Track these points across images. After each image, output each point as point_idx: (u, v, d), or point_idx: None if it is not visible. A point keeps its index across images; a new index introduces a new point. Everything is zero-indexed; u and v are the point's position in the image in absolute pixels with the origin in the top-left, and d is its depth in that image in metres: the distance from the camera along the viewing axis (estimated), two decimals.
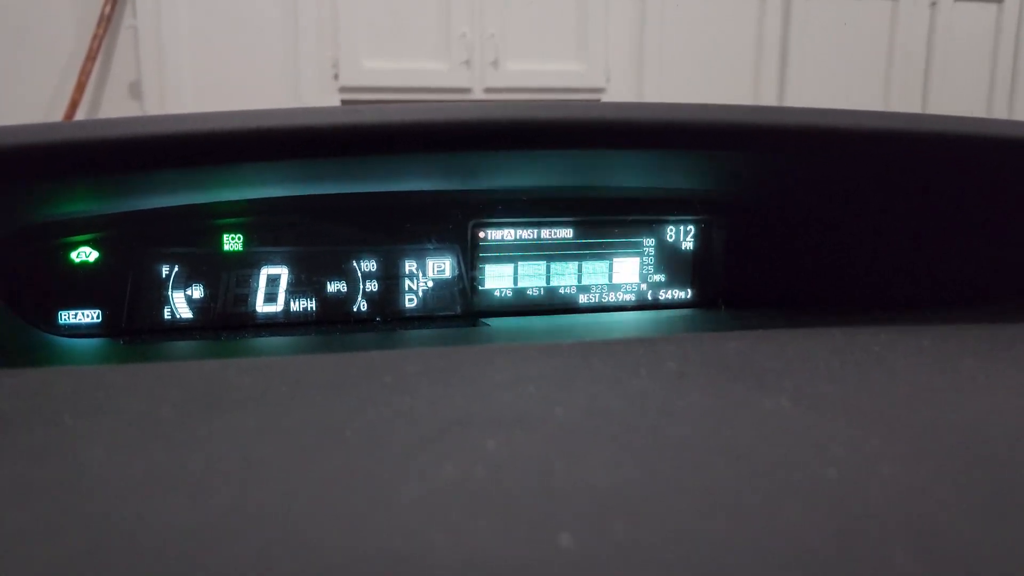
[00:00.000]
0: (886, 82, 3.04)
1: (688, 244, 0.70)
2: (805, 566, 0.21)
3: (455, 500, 0.24)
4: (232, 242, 0.61)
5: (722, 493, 0.25)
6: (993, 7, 3.08)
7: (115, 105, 2.54)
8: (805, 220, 0.68)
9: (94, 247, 0.58)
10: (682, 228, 0.70)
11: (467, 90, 2.61)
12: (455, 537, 0.22)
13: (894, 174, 0.60)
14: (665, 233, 0.70)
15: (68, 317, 0.59)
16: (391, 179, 0.61)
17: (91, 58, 2.42)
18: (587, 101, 2.78)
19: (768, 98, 2.93)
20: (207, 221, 0.61)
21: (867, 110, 0.52)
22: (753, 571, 0.21)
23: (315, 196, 0.62)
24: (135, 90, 2.50)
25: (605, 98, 2.78)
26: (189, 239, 0.60)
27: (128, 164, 0.46)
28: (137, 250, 0.60)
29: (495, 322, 0.66)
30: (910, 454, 0.28)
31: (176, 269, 0.61)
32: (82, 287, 0.59)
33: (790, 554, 0.22)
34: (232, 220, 0.61)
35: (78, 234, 0.58)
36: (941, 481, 0.26)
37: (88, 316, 0.59)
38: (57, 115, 2.42)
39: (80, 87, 2.41)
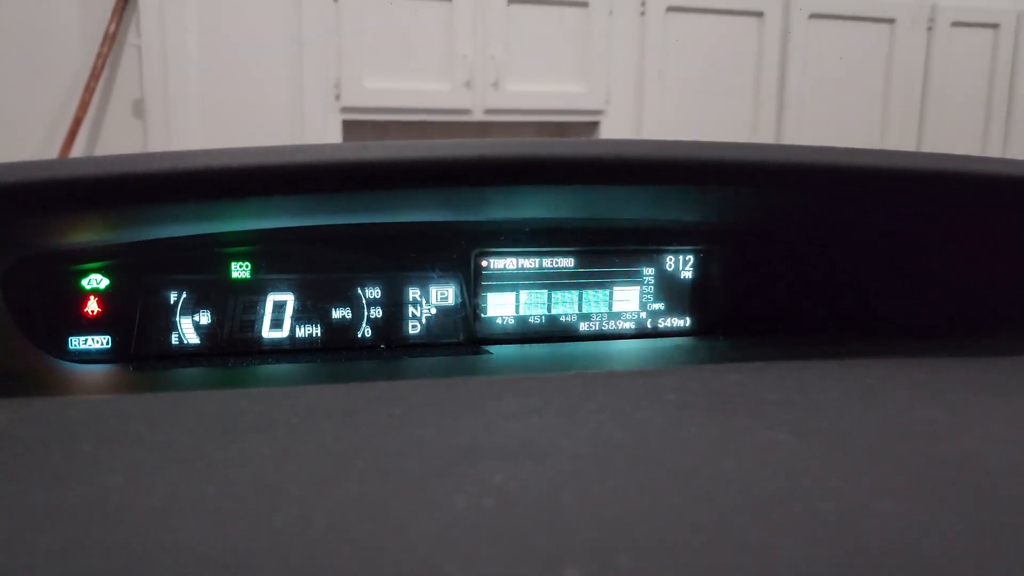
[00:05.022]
0: (884, 105, 3.06)
1: (687, 274, 0.71)
2: None
3: (465, 530, 0.25)
4: (239, 270, 0.62)
5: (724, 525, 0.26)
6: (989, 32, 3.11)
7: (118, 123, 2.56)
8: (803, 251, 0.69)
9: (104, 275, 0.60)
10: (681, 258, 0.71)
11: (467, 111, 2.63)
12: (466, 567, 0.23)
13: (890, 209, 0.61)
14: (665, 263, 0.71)
15: (78, 343, 0.60)
16: (396, 210, 0.62)
17: (95, 76, 2.44)
18: (587, 123, 2.79)
19: (767, 120, 2.95)
20: (215, 250, 0.62)
21: (864, 148, 0.53)
22: None
23: (321, 227, 0.63)
24: (138, 108, 2.51)
25: (605, 120, 2.80)
26: (197, 267, 0.62)
27: (138, 199, 0.47)
28: (146, 278, 0.61)
29: (497, 350, 0.67)
30: (908, 488, 0.29)
31: (184, 296, 0.62)
32: (92, 314, 0.60)
33: None
34: (239, 249, 0.62)
35: (89, 262, 0.59)
36: (939, 515, 0.27)
37: (98, 342, 0.60)
38: (61, 132, 2.44)
39: (84, 105, 2.43)
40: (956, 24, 3.05)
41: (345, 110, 2.55)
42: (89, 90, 2.43)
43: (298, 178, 0.47)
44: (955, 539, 0.25)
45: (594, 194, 0.61)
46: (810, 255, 0.69)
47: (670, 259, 0.71)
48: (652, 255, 0.70)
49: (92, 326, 0.60)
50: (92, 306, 0.60)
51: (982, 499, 0.28)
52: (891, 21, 3.00)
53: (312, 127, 2.52)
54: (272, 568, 0.23)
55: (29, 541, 0.24)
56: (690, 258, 0.71)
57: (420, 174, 0.49)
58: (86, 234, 0.57)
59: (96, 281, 0.60)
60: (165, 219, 0.57)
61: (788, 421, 0.36)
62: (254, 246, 0.62)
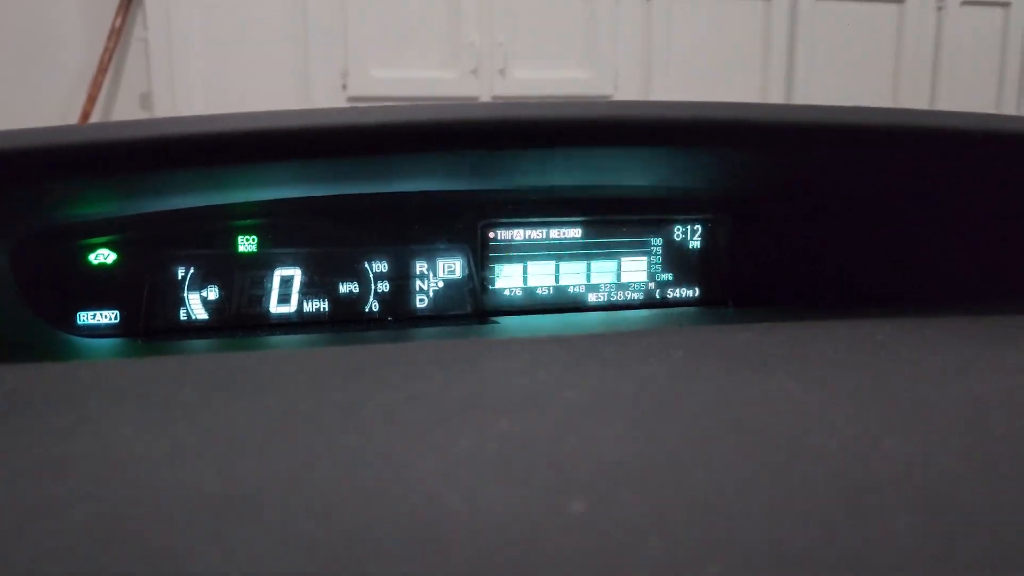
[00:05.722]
0: (894, 85, 3.04)
1: (695, 243, 0.71)
2: (810, 529, 0.22)
3: (469, 469, 0.25)
4: (246, 243, 0.62)
5: (728, 463, 0.26)
6: (1000, 9, 3.08)
7: (126, 116, 2.56)
8: (812, 218, 0.68)
9: (112, 249, 0.60)
10: (689, 227, 0.71)
11: (475, 98, 2.62)
12: (470, 500, 0.23)
13: (900, 171, 0.60)
14: (673, 232, 0.70)
15: (87, 318, 0.60)
16: (402, 180, 0.62)
17: (102, 70, 2.44)
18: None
19: (775, 102, 2.94)
20: (222, 223, 0.62)
21: (873, 107, 0.53)
22: (759, 535, 0.22)
23: (327, 197, 0.63)
24: (146, 102, 2.52)
25: None
26: (204, 241, 0.62)
27: (144, 165, 0.47)
28: (154, 252, 0.61)
29: (505, 321, 0.66)
30: (911, 427, 0.29)
31: (192, 270, 0.62)
32: (100, 288, 0.60)
33: (795, 518, 0.22)
34: (246, 222, 0.62)
35: (96, 236, 0.59)
36: (941, 451, 0.26)
37: (106, 317, 0.60)
38: None
39: (92, 99, 2.44)
40: (966, 3, 3.02)
41: (352, 99, 2.55)
42: (96, 84, 2.44)
43: (304, 141, 0.47)
44: (956, 474, 0.25)
45: (601, 163, 0.61)
46: (819, 223, 0.68)
47: (678, 228, 0.70)
48: (660, 225, 0.70)
49: (100, 300, 0.60)
50: (100, 280, 0.60)
51: (983, 437, 0.28)
52: (900, 1, 2.97)
53: None
54: (278, 505, 0.23)
55: (42, 489, 0.24)
56: (698, 228, 0.71)
57: (427, 136, 0.48)
58: (93, 207, 0.57)
59: (103, 256, 0.60)
60: (172, 192, 0.57)
61: (794, 372, 0.36)
62: (260, 219, 0.62)
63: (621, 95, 2.78)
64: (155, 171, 0.48)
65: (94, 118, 2.49)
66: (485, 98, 2.63)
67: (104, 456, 0.26)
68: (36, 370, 0.38)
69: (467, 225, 0.66)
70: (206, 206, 0.60)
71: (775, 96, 2.93)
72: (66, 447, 0.27)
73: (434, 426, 0.29)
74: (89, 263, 0.59)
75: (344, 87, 2.54)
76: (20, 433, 0.28)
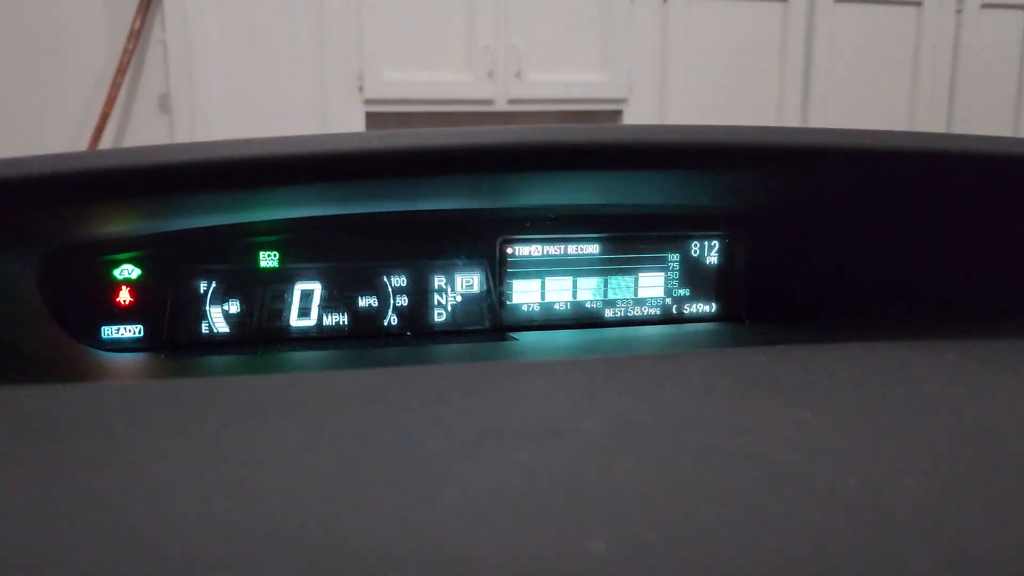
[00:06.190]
0: (912, 90, 3.02)
1: (712, 259, 0.71)
2: (826, 569, 0.22)
3: (491, 506, 0.26)
4: (268, 259, 0.63)
5: (747, 500, 0.26)
6: (1020, 13, 3.06)
7: (145, 118, 2.58)
8: (829, 235, 0.69)
9: (136, 264, 0.61)
10: (706, 243, 0.71)
11: (490, 101, 2.63)
12: (493, 540, 0.23)
13: (917, 192, 0.61)
14: (690, 248, 0.71)
15: (111, 332, 0.61)
16: (421, 199, 0.62)
17: (121, 72, 2.47)
18: (611, 112, 2.78)
19: (792, 107, 2.93)
20: (244, 239, 0.63)
21: (889, 130, 0.53)
22: (775, 573, 0.22)
23: (347, 215, 0.63)
24: (164, 103, 2.54)
25: (628, 109, 2.79)
26: (226, 257, 0.62)
27: (170, 188, 0.48)
28: (177, 267, 0.62)
29: (523, 336, 0.67)
30: (931, 463, 0.29)
31: (214, 285, 0.63)
32: (124, 303, 0.61)
33: (811, 557, 0.23)
34: (268, 238, 0.63)
35: (121, 252, 0.60)
36: (961, 489, 0.27)
37: (130, 331, 0.61)
38: (88, 127, 2.47)
39: (111, 100, 2.46)
40: (985, 6, 3.00)
41: (368, 102, 2.56)
42: (116, 85, 2.46)
43: (327, 166, 0.48)
44: (978, 513, 0.25)
45: (619, 180, 0.61)
46: (836, 240, 0.69)
47: (695, 245, 0.71)
48: (677, 241, 0.70)
49: (124, 315, 0.61)
50: (124, 296, 0.61)
51: (1007, 475, 0.28)
52: (918, 4, 2.95)
53: (335, 120, 2.54)
54: (304, 543, 0.23)
55: (68, 521, 0.25)
56: (715, 244, 0.71)
57: (449, 161, 0.49)
58: (118, 225, 0.58)
59: (128, 271, 0.61)
60: (195, 209, 0.58)
61: (811, 401, 0.37)
62: (282, 235, 0.63)
63: (637, 98, 2.78)
64: (181, 194, 0.48)
65: (113, 119, 2.51)
66: (500, 101, 2.63)
67: (132, 486, 0.27)
68: (61, 391, 0.39)
69: (486, 241, 0.67)
70: (229, 224, 0.61)
71: (792, 99, 2.92)
72: (92, 477, 0.28)
73: (454, 457, 0.29)
74: (114, 278, 0.60)
75: (360, 89, 2.55)
76: (50, 460, 0.29)
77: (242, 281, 0.63)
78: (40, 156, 0.45)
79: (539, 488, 0.27)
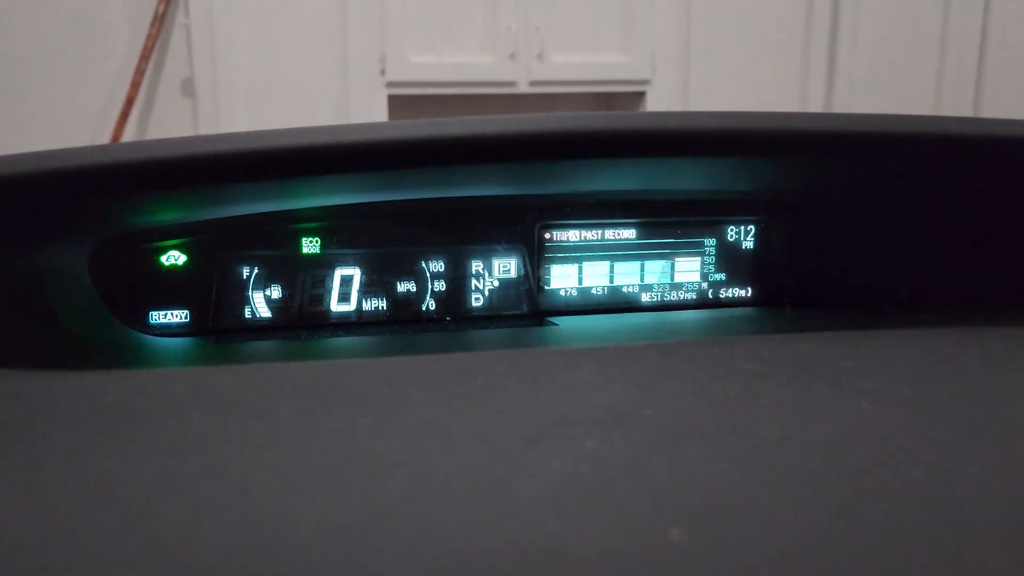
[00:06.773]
0: (938, 73, 2.99)
1: (749, 244, 0.71)
2: (899, 563, 0.23)
3: (568, 494, 0.26)
4: (310, 245, 0.64)
5: (817, 492, 0.27)
6: None
7: (169, 103, 2.60)
8: (866, 219, 0.69)
9: (183, 251, 0.62)
10: (743, 228, 0.71)
11: (513, 83, 2.63)
12: (574, 529, 0.24)
13: (954, 177, 0.60)
14: (726, 233, 0.71)
15: (159, 317, 0.62)
16: (460, 185, 0.63)
17: (145, 57, 2.48)
18: (633, 94, 2.76)
19: (817, 88, 2.90)
20: (286, 226, 0.63)
21: (926, 115, 0.53)
22: (850, 566, 0.22)
23: (388, 202, 0.64)
24: (188, 87, 2.55)
25: (651, 90, 2.78)
26: (269, 243, 0.63)
27: (216, 177, 0.48)
28: (222, 254, 0.63)
29: (561, 320, 0.68)
30: (995, 454, 0.29)
31: (257, 271, 0.63)
32: (171, 289, 0.62)
33: (884, 551, 0.23)
34: (310, 225, 0.64)
35: (168, 239, 0.61)
36: None
37: (177, 316, 0.62)
38: (113, 112, 2.49)
39: (135, 85, 2.48)
40: None
41: (391, 85, 2.56)
42: (140, 71, 2.48)
43: (369, 155, 0.49)
44: None
45: (657, 166, 0.61)
46: (874, 223, 0.68)
47: (732, 229, 0.71)
48: (714, 225, 0.71)
49: (171, 301, 0.62)
50: (171, 282, 0.62)
51: None
52: None
53: (358, 103, 2.54)
54: (396, 534, 0.24)
55: (157, 509, 0.25)
56: (752, 228, 0.71)
57: (489, 149, 0.49)
58: (165, 214, 0.59)
59: (174, 258, 0.62)
60: (239, 198, 0.59)
61: (867, 390, 0.37)
62: (323, 222, 0.64)
63: (659, 80, 2.77)
64: (226, 183, 0.49)
65: (137, 103, 2.53)
66: (522, 83, 2.63)
67: (211, 475, 0.28)
68: (129, 378, 0.39)
69: (524, 227, 0.67)
70: (272, 211, 0.62)
71: (816, 80, 2.90)
72: (178, 465, 0.28)
73: (525, 446, 0.30)
74: (161, 265, 0.61)
75: (382, 72, 2.55)
76: (137, 447, 0.30)
77: (284, 267, 0.64)
78: (92, 147, 0.45)
79: (611, 476, 0.27)
